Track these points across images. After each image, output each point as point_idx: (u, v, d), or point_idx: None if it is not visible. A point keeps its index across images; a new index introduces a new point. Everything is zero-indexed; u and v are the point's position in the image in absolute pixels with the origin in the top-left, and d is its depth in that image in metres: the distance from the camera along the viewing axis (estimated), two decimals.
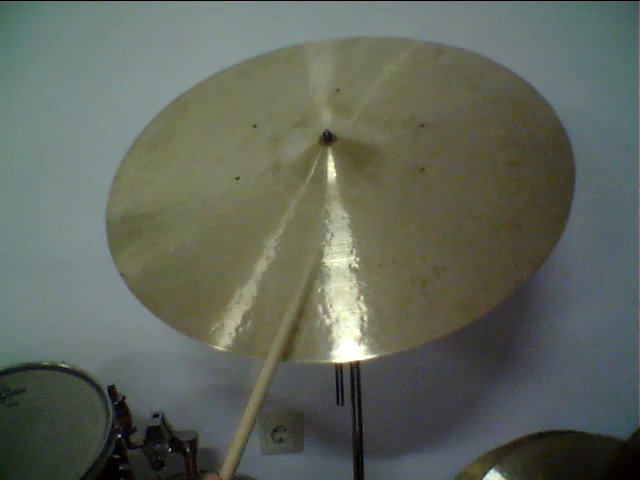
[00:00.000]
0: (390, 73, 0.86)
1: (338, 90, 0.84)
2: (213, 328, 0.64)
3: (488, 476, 0.94)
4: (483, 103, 0.80)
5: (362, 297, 0.63)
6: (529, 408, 1.23)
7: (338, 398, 0.96)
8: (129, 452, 0.92)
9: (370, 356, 0.59)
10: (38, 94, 1.02)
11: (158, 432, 0.95)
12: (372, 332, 0.60)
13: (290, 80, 0.90)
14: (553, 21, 1.01)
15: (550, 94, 0.79)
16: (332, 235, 0.68)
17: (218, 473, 0.53)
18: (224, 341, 0.63)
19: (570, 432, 1.01)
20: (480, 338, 1.19)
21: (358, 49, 0.92)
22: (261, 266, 0.67)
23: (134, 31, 1.00)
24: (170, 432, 0.97)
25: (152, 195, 0.80)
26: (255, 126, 0.83)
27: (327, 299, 0.63)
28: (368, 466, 0.99)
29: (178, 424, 0.99)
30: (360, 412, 0.93)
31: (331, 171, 0.73)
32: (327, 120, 0.80)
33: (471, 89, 0.82)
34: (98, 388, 0.91)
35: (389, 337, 0.60)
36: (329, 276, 0.65)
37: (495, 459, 0.98)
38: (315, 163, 0.74)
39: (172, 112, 0.90)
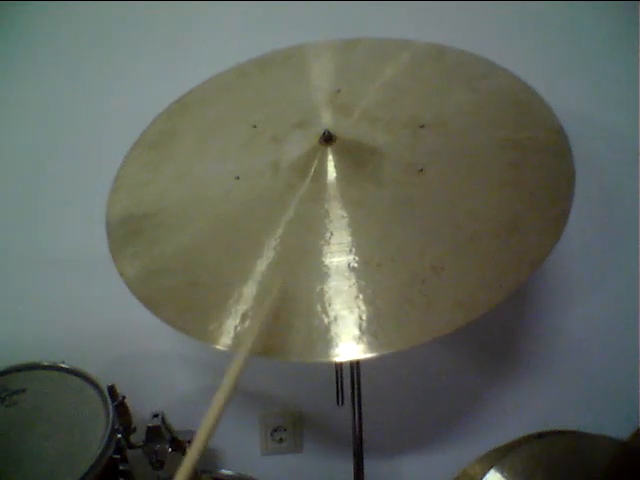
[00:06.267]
0: (390, 74, 0.86)
1: (339, 91, 0.85)
2: (212, 327, 0.64)
3: (488, 476, 0.94)
4: (483, 104, 0.80)
5: (361, 296, 0.63)
6: (529, 408, 1.23)
7: (338, 398, 0.96)
8: (129, 452, 0.92)
9: (369, 355, 0.59)
10: (38, 94, 1.03)
11: (158, 432, 0.95)
12: (371, 331, 0.60)
13: (290, 80, 0.90)
14: (553, 21, 1.01)
15: (550, 94, 0.79)
16: (331, 234, 0.68)
17: None
18: (223, 340, 0.63)
19: (570, 432, 1.00)
20: (480, 338, 1.19)
21: (358, 50, 0.92)
22: (260, 266, 0.67)
23: (134, 31, 1.00)
24: (170, 432, 0.97)
25: (152, 195, 0.80)
26: (255, 126, 0.83)
27: (326, 298, 0.63)
28: (368, 466, 0.99)
29: (178, 424, 0.99)
30: (360, 412, 0.93)
31: (331, 171, 0.73)
32: (327, 120, 0.80)
33: (471, 90, 0.82)
34: (98, 388, 0.91)
35: (388, 336, 0.60)
36: (328, 275, 0.65)
37: (495, 459, 0.98)
38: (315, 163, 0.74)
39: (173, 113, 0.90)
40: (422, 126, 0.78)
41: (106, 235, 0.77)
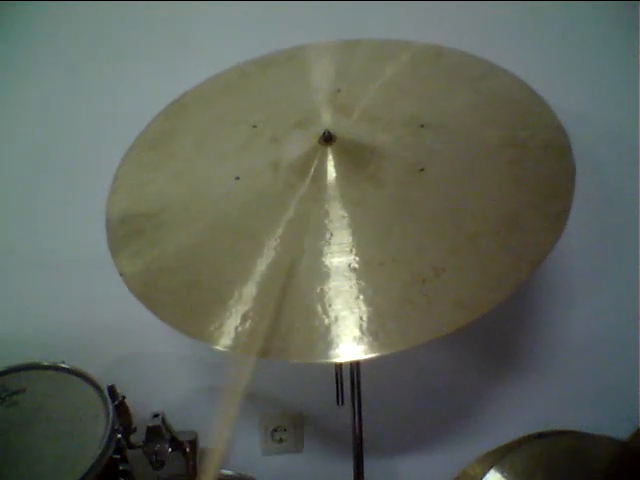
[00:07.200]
0: (390, 74, 0.86)
1: (339, 91, 0.84)
2: (212, 328, 0.64)
3: (488, 476, 0.94)
4: (483, 104, 0.80)
5: (361, 296, 0.63)
6: (529, 408, 1.23)
7: (338, 398, 0.96)
8: (129, 452, 0.92)
9: (369, 356, 0.59)
10: (38, 93, 1.03)
11: (158, 432, 0.95)
12: (371, 332, 0.60)
13: (290, 81, 0.90)
14: (553, 21, 1.01)
15: (550, 94, 0.79)
16: (332, 234, 0.68)
17: None
18: (223, 341, 0.63)
19: (570, 432, 1.01)
20: (480, 338, 1.19)
21: (359, 51, 0.92)
22: (261, 266, 0.67)
23: (134, 31, 1.00)
24: (170, 432, 0.97)
25: (152, 195, 0.80)
26: (255, 126, 0.83)
27: (326, 298, 0.63)
28: (368, 466, 0.99)
29: (178, 424, 0.99)
30: (360, 412, 0.93)
31: (331, 171, 0.73)
32: (327, 120, 0.80)
33: (471, 90, 0.82)
34: (98, 388, 0.91)
35: (388, 337, 0.60)
36: (328, 275, 0.65)
37: (495, 459, 0.98)
38: (315, 163, 0.73)
39: (172, 112, 0.90)
40: (422, 126, 0.78)
41: (106, 235, 0.77)
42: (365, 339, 0.60)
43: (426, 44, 0.89)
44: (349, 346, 0.60)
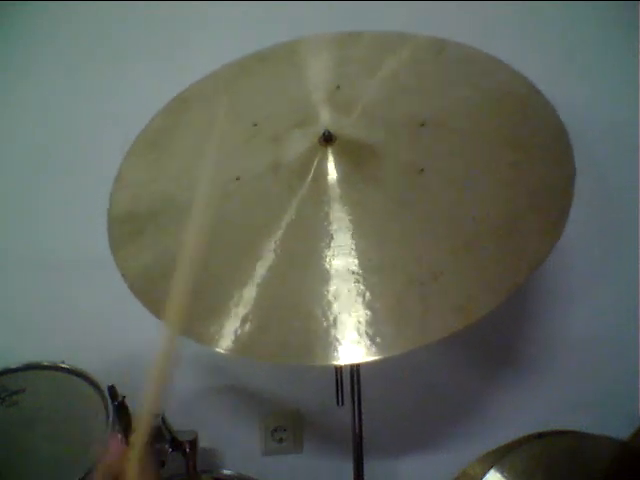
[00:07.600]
0: (391, 70, 0.85)
1: (338, 87, 0.83)
2: (213, 330, 0.64)
3: (488, 476, 0.94)
4: (484, 102, 0.79)
5: (359, 300, 0.62)
6: (529, 408, 1.23)
7: (338, 398, 0.96)
8: None
9: (367, 359, 0.59)
10: (38, 93, 1.02)
11: (158, 432, 0.95)
12: (369, 335, 0.60)
13: (290, 76, 0.89)
14: (553, 21, 1.01)
15: (550, 95, 0.79)
16: (331, 237, 0.67)
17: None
18: (224, 343, 0.63)
19: (570, 432, 1.01)
20: (480, 338, 1.19)
21: (359, 44, 0.91)
22: (261, 268, 0.67)
23: (134, 31, 1.00)
24: (170, 432, 0.97)
25: (153, 195, 0.80)
26: (256, 125, 0.82)
27: (325, 301, 0.63)
28: (368, 466, 0.99)
29: (178, 424, 0.99)
30: (360, 412, 0.94)
31: (331, 172, 0.72)
32: (327, 119, 0.79)
33: (472, 87, 0.81)
34: (98, 388, 0.91)
35: (386, 340, 0.60)
36: (328, 278, 0.64)
37: (495, 459, 0.98)
38: (315, 163, 0.73)
39: (173, 109, 0.90)
40: (422, 124, 0.77)
41: (108, 235, 0.77)
42: (363, 342, 0.60)
43: (427, 37, 0.88)
44: (347, 349, 0.60)
